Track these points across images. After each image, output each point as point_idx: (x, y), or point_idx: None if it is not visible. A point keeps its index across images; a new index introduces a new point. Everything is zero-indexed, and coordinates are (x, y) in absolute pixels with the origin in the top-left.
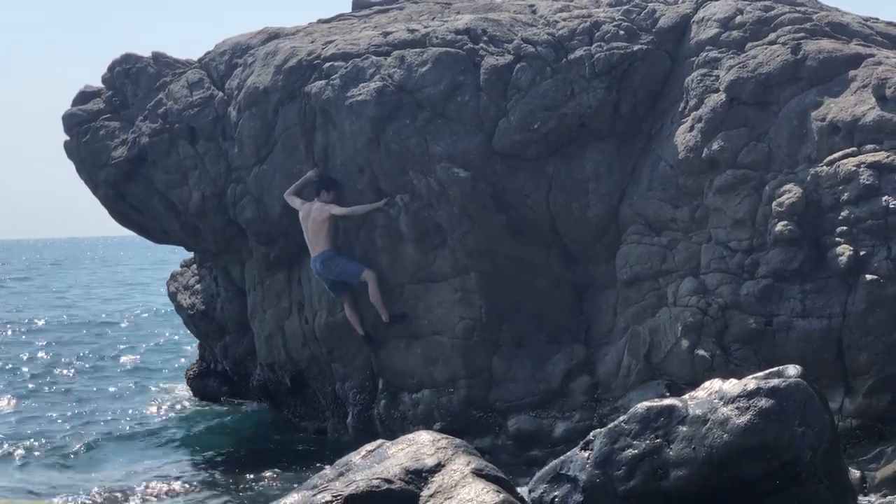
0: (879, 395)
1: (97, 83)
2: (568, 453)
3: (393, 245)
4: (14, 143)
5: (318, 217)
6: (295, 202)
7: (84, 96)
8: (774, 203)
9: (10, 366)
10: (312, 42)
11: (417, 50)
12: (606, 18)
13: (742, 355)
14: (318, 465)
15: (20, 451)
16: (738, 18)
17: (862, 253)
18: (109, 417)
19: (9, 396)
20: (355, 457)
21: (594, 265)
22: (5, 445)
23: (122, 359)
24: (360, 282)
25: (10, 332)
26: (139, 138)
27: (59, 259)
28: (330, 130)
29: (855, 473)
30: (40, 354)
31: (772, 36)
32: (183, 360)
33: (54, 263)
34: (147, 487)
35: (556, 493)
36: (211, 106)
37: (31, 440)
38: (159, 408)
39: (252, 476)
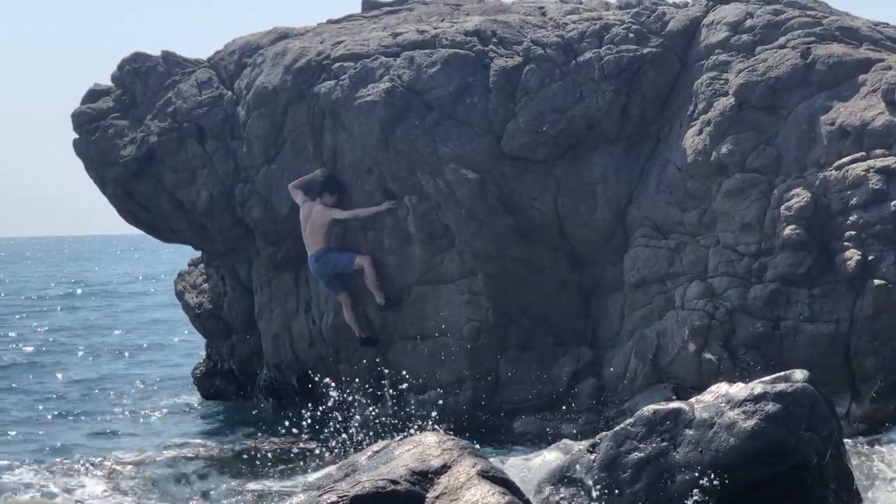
0: (886, 400)
1: (107, 82)
2: (574, 455)
3: (401, 246)
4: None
5: (318, 219)
6: (298, 196)
7: (93, 94)
8: (783, 207)
9: None
10: (322, 42)
11: (427, 51)
12: (616, 21)
13: (749, 359)
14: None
15: None
16: (748, 22)
17: (870, 258)
18: None
19: None
20: (361, 457)
21: (601, 268)
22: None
23: None
24: (356, 269)
25: None
26: (148, 137)
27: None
28: (339, 131)
29: None
30: None
31: (781, 40)
32: None
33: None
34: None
35: (562, 495)
36: (220, 105)
37: None
38: None
39: None
